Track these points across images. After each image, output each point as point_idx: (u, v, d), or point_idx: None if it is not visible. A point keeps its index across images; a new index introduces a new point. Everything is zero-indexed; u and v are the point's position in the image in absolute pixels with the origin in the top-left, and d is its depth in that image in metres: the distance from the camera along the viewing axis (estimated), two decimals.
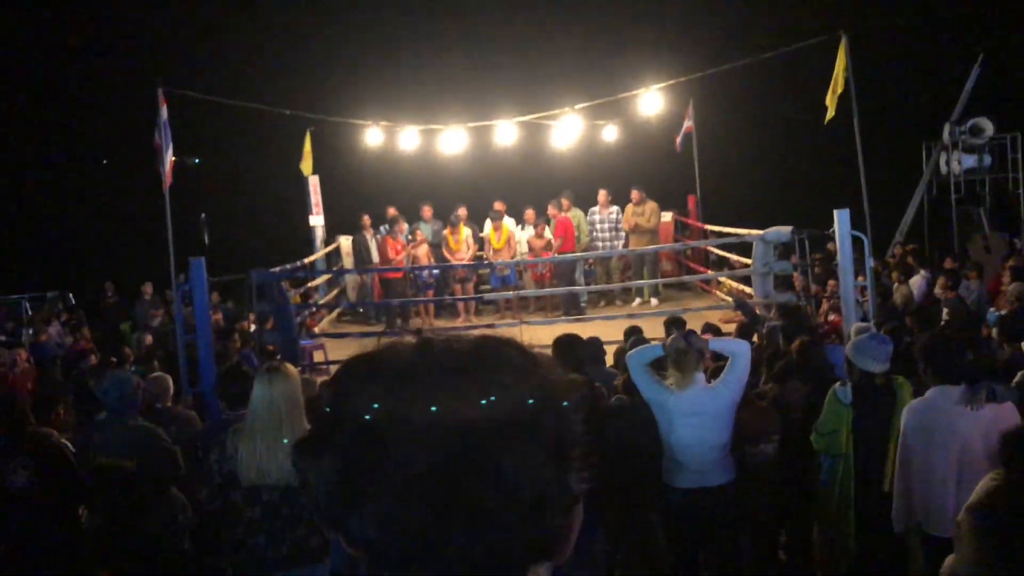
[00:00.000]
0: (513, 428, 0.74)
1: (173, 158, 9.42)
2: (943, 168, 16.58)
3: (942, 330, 5.72)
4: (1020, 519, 2.84)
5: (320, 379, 7.38)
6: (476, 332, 0.85)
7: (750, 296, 10.14)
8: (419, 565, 0.73)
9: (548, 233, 11.98)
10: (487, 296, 11.58)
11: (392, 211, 12.48)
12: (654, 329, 7.44)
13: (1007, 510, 2.86)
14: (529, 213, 12.25)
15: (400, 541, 0.73)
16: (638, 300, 12.08)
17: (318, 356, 9.74)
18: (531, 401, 0.77)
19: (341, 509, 0.76)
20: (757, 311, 9.21)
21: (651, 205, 12.20)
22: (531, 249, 11.90)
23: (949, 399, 3.70)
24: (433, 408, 0.74)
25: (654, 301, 11.95)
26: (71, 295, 15.95)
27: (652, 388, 4.36)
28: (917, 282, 11.03)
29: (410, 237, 12.09)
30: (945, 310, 9.60)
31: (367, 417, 0.75)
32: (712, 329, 7.36)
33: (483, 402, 0.75)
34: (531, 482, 0.74)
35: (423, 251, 12.04)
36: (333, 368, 8.74)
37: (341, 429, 0.76)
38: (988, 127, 16.06)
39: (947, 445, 3.69)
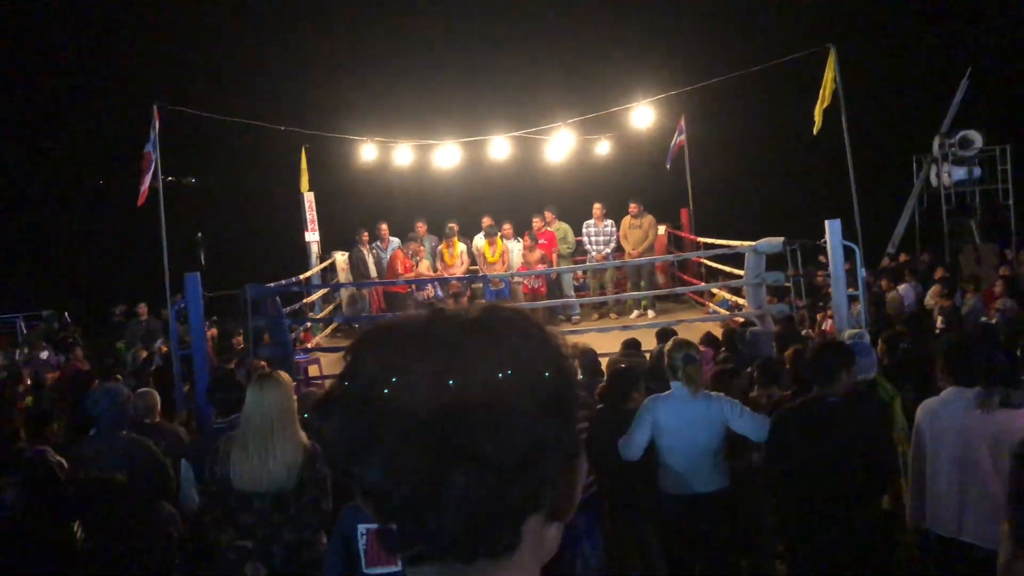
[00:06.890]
0: (513, 384, 0.78)
1: (148, 183, 9.29)
2: (934, 180, 16.65)
3: (960, 335, 5.65)
4: None
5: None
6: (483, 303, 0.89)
7: (742, 307, 10.14)
8: (421, 510, 0.77)
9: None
10: None
11: (382, 229, 12.53)
12: (648, 341, 7.47)
13: None
14: (507, 228, 12.09)
15: (402, 487, 0.77)
16: (635, 312, 12.03)
17: (313, 371, 9.70)
18: (533, 361, 0.80)
19: (349, 459, 0.80)
20: (743, 321, 9.21)
21: (648, 219, 12.13)
22: (526, 263, 11.84)
23: (961, 400, 3.64)
24: (434, 365, 0.78)
25: (651, 313, 11.90)
26: (66, 314, 15.87)
27: (646, 423, 4.38)
28: (904, 291, 11.06)
29: (416, 257, 12.07)
30: (939, 318, 9.62)
31: (372, 374, 0.79)
32: (711, 341, 7.35)
33: (484, 359, 0.79)
34: (528, 431, 0.77)
35: (425, 266, 12.07)
36: (328, 383, 8.79)
37: (348, 386, 0.81)
38: (977, 139, 16.13)
39: (953, 444, 3.64)
